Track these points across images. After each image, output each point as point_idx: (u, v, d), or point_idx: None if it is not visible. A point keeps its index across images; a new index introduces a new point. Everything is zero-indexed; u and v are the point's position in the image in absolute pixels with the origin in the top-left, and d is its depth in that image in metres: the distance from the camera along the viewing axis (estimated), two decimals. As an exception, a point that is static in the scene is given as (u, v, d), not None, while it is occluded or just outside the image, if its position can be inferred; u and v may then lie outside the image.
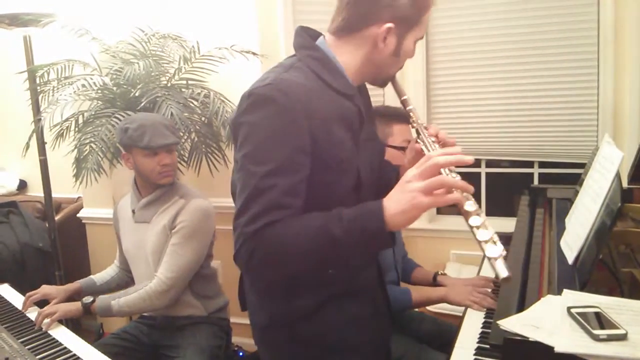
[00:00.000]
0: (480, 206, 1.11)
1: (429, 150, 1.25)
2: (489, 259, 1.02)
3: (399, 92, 1.41)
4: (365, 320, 1.41)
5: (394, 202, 1.10)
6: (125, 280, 2.48)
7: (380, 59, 1.32)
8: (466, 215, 1.08)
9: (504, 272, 1.00)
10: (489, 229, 1.05)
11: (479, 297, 1.88)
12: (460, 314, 1.85)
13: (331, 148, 1.24)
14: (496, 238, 1.04)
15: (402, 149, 2.10)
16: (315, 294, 1.35)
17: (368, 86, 1.47)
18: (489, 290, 1.98)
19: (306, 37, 1.36)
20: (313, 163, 1.22)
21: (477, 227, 1.05)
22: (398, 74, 1.42)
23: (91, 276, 2.44)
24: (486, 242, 1.04)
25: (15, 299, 2.30)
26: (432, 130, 1.30)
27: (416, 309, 2.53)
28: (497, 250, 1.02)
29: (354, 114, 1.32)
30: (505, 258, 1.03)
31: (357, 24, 1.29)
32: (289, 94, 1.19)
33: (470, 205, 1.08)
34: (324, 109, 1.23)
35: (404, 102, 1.38)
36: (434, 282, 2.27)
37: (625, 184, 1.87)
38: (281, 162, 1.17)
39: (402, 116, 2.11)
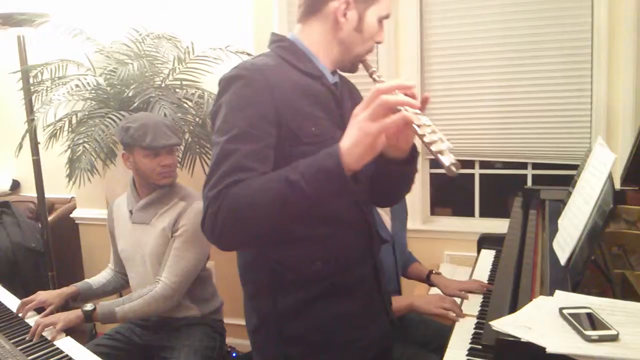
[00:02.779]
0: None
1: None
2: (434, 154, 1.06)
3: (367, 68, 1.42)
4: (357, 317, 1.40)
5: (346, 138, 1.12)
6: (120, 283, 2.47)
7: (344, 36, 1.37)
8: (416, 130, 1.10)
9: (445, 162, 1.04)
10: (436, 134, 1.09)
11: (446, 306, 1.85)
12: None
13: (298, 120, 1.28)
14: (442, 138, 1.08)
15: None
16: (303, 291, 1.34)
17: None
18: (480, 295, 1.98)
19: (278, 35, 1.44)
20: (284, 134, 1.26)
21: (429, 138, 1.08)
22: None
23: (87, 280, 2.42)
24: (432, 142, 1.07)
25: (8, 299, 2.28)
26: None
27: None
28: (441, 146, 1.06)
29: (324, 94, 1.37)
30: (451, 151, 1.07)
31: (318, 3, 1.36)
32: (252, 69, 1.28)
33: (417, 120, 1.10)
34: (287, 84, 1.29)
35: (372, 74, 1.38)
36: (428, 281, 2.26)
37: (617, 186, 1.88)
38: (243, 128, 1.21)
39: None
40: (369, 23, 1.37)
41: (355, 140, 1.09)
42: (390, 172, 1.37)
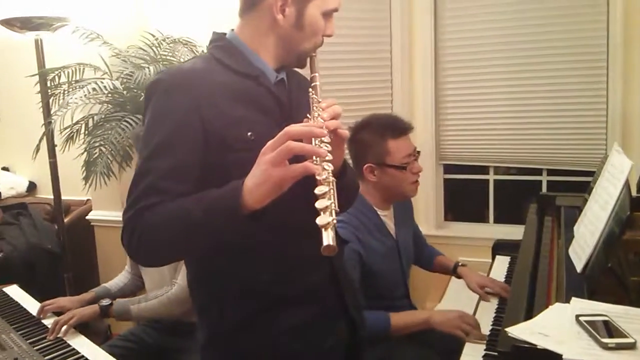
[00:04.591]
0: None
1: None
2: (319, 226, 0.99)
3: (311, 69, 1.34)
4: (310, 326, 1.32)
5: (250, 177, 1.06)
6: (138, 286, 2.48)
7: (283, 33, 1.28)
8: (316, 183, 1.04)
9: (326, 241, 0.97)
10: (329, 200, 1.01)
11: (466, 328, 1.76)
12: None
13: (229, 126, 1.20)
14: (332, 208, 1.01)
15: (403, 168, 2.00)
16: (253, 303, 1.28)
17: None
18: (495, 304, 1.95)
19: (217, 33, 1.36)
20: (213, 144, 1.19)
21: (321, 203, 1.01)
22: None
23: (104, 284, 2.44)
24: (321, 209, 1.00)
25: (25, 300, 2.31)
26: (325, 105, 1.21)
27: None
28: (327, 219, 0.99)
29: (262, 95, 1.28)
30: (335, 230, 1.00)
31: None
32: (175, 74, 1.23)
33: (320, 174, 1.03)
34: (216, 88, 1.22)
35: (312, 79, 1.31)
36: (455, 273, 2.26)
37: (634, 193, 1.87)
38: (162, 142, 1.16)
39: (399, 129, 2.03)
40: (310, 19, 1.27)
41: (258, 181, 1.05)
42: None
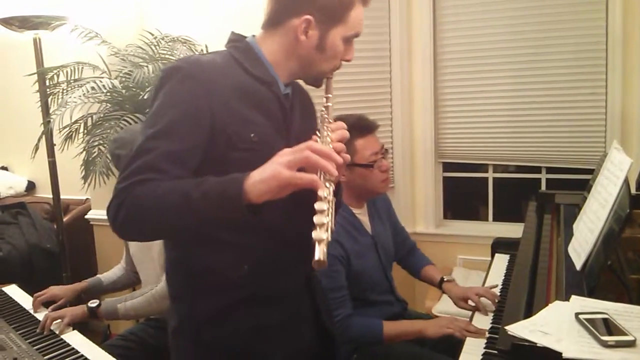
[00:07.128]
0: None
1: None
2: (313, 240, 1.03)
3: (327, 89, 1.38)
4: (278, 328, 1.36)
5: (259, 171, 1.09)
6: (132, 280, 2.48)
7: (304, 53, 1.32)
8: (316, 198, 1.08)
9: (317, 255, 1.01)
10: (327, 217, 1.05)
11: (457, 327, 1.79)
12: (468, 319, 1.85)
13: (235, 124, 1.24)
14: (329, 226, 1.05)
15: (370, 165, 2.02)
16: (223, 297, 1.31)
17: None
18: (495, 300, 1.95)
19: (236, 34, 1.39)
20: (217, 138, 1.22)
21: (318, 219, 1.05)
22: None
23: (98, 275, 2.44)
24: (318, 225, 1.04)
25: (24, 299, 2.30)
26: (334, 126, 1.26)
27: (423, 312, 2.52)
28: (322, 235, 1.03)
29: (270, 100, 1.32)
30: (327, 245, 1.03)
31: (279, 16, 1.32)
32: (194, 64, 1.24)
33: (323, 191, 1.08)
34: (230, 85, 1.25)
35: (326, 99, 1.35)
36: (440, 288, 2.24)
37: (633, 190, 1.87)
38: (169, 125, 1.18)
39: (364, 127, 2.04)
40: (331, 43, 1.32)
41: (265, 177, 1.08)
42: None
